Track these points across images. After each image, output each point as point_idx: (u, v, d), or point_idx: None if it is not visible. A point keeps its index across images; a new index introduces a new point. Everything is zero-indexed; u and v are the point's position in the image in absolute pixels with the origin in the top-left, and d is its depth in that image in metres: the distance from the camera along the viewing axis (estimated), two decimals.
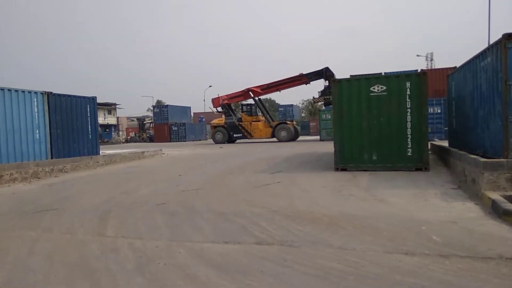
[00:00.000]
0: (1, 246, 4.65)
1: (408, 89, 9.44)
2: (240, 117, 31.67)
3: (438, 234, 4.37)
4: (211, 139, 32.78)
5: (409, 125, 9.46)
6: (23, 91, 11.92)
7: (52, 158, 12.67)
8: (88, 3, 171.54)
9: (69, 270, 3.78)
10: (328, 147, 14.04)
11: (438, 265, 3.48)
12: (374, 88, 9.71)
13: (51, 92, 12.86)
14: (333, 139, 10.48)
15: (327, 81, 27.67)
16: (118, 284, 3.41)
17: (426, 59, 56.69)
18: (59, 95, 13.24)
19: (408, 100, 9.44)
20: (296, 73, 28.71)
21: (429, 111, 17.28)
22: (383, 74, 17.21)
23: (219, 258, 3.90)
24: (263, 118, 31.16)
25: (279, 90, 29.87)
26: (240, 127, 30.71)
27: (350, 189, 7.50)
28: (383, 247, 3.99)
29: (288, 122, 31.22)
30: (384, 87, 9.64)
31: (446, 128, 15.56)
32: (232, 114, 31.54)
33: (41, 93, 12.52)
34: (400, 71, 19.22)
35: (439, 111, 22.10)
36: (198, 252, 4.13)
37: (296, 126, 32.02)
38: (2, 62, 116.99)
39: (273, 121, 31.25)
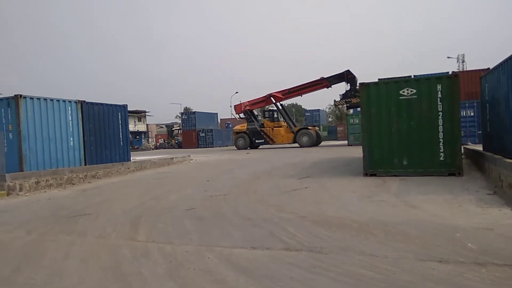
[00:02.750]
0: (39, 250, 4.84)
1: (439, 92, 9.21)
2: (262, 123, 31.70)
3: (473, 241, 4.22)
4: (234, 145, 33.02)
5: (441, 128, 9.21)
6: (58, 100, 12.40)
7: (85, 164, 13.08)
8: (116, 16, 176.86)
9: (102, 273, 3.89)
10: (357, 152, 13.85)
11: (474, 273, 3.35)
12: (403, 92, 9.52)
13: (84, 101, 13.31)
14: (361, 144, 10.33)
15: (348, 84, 27.35)
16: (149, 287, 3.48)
17: (458, 61, 54.98)
18: (92, 103, 13.67)
19: (439, 103, 9.21)
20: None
21: (462, 114, 16.76)
22: (412, 77, 16.88)
23: (247, 264, 3.91)
24: (285, 124, 31.08)
25: (300, 94, 29.75)
26: (262, 133, 30.74)
27: (380, 195, 7.36)
28: (415, 255, 3.89)
29: (310, 128, 30.96)
30: (414, 90, 9.44)
31: (480, 132, 15.03)
32: (254, 120, 31.66)
33: (75, 102, 12.97)
34: (430, 74, 18.74)
35: (472, 114, 21.38)
36: (226, 257, 4.16)
37: (318, 131, 31.73)
38: (37, 73, 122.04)
39: (295, 126, 31.13)
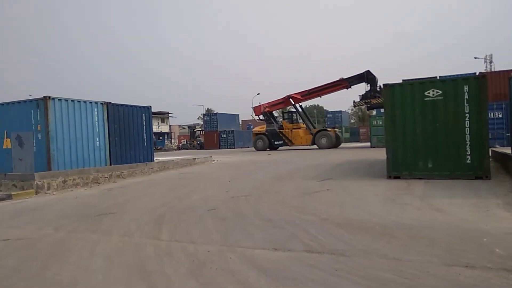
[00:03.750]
0: (66, 247, 4.98)
1: (466, 93, 8.98)
2: (281, 124, 31.60)
3: (501, 246, 4.10)
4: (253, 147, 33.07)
5: (467, 130, 8.98)
6: (84, 102, 12.73)
7: (110, 164, 13.37)
8: (136, 25, 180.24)
9: (127, 271, 3.98)
10: (380, 154, 13.64)
11: (502, 279, 3.26)
12: (429, 93, 9.33)
13: (110, 102, 13.61)
14: (385, 146, 10.18)
15: (368, 85, 26.95)
16: (172, 286, 3.54)
17: (485, 61, 53.47)
18: (117, 105, 13.96)
19: (466, 104, 8.98)
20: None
21: (489, 116, 16.27)
22: (438, 77, 16.52)
23: (269, 265, 3.92)
24: (304, 125, 30.87)
25: (319, 95, 29.45)
26: (280, 134, 30.63)
27: (404, 198, 7.24)
28: (441, 259, 3.81)
29: (329, 129, 30.59)
30: (440, 91, 9.24)
31: (508, 134, 14.57)
32: (274, 122, 31.57)
33: (101, 103, 13.29)
34: (457, 75, 18.31)
35: (500, 116, 20.74)
36: (248, 258, 4.18)
37: (338, 133, 31.36)
38: (65, 79, 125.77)
39: (314, 128, 30.88)
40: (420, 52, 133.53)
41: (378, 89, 26.57)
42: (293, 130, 30.51)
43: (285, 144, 30.80)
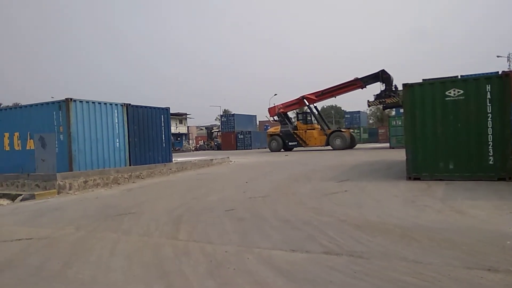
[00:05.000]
0: (87, 246, 5.08)
1: (488, 93, 8.78)
2: (295, 125, 31.48)
3: None
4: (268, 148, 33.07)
5: (490, 131, 8.77)
6: (105, 103, 12.97)
7: (130, 165, 13.58)
8: (156, 32, 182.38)
9: (146, 270, 4.03)
10: (399, 155, 13.45)
11: None
12: (449, 92, 9.15)
13: (129, 104, 13.83)
14: (404, 147, 10.03)
15: (383, 84, 26.53)
16: (191, 286, 3.57)
17: (508, 60, 51.97)
18: (136, 106, 14.17)
19: (488, 104, 8.78)
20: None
21: None
22: (459, 77, 16.16)
23: (287, 266, 3.91)
24: (318, 126, 30.65)
25: (334, 96, 29.10)
26: (295, 135, 30.49)
27: (424, 200, 7.11)
28: (462, 262, 3.73)
29: (343, 130, 30.24)
30: (461, 91, 9.05)
31: None
32: (288, 123, 31.49)
33: (121, 105, 13.51)
34: (478, 74, 17.86)
35: None
36: (266, 258, 4.18)
37: (352, 133, 30.94)
38: (85, 84, 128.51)
39: (328, 128, 30.62)
40: (441, 51, 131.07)
41: (394, 89, 26.21)
42: (307, 131, 30.34)
43: (299, 145, 30.67)
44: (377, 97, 27.09)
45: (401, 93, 26.83)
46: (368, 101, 28.13)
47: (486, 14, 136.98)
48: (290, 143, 30.94)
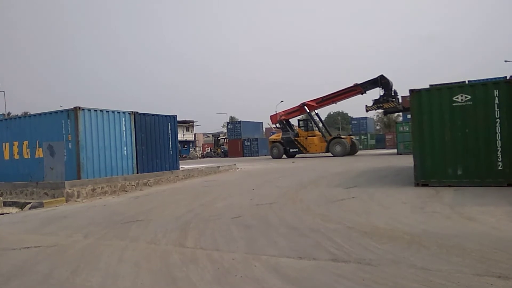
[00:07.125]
0: (95, 253, 5.10)
1: (496, 98, 8.72)
2: (297, 132, 31.48)
3: None
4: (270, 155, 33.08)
5: (498, 136, 8.70)
6: (113, 112, 13.07)
7: (137, 172, 13.63)
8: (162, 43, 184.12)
9: (153, 277, 4.04)
10: (406, 161, 13.36)
11: None
12: (457, 98, 9.11)
13: (137, 112, 13.92)
14: (412, 153, 9.97)
15: (383, 89, 26.53)
16: None
17: None
18: (143, 114, 14.26)
19: (496, 109, 8.72)
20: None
21: None
22: (466, 82, 16.09)
23: (294, 274, 3.89)
24: (319, 133, 30.64)
25: (334, 102, 29.12)
26: (295, 142, 30.49)
27: (433, 206, 7.05)
28: (472, 269, 3.69)
29: (343, 137, 30.08)
30: (469, 96, 9.00)
31: None
32: (289, 130, 31.52)
33: (128, 113, 13.60)
34: (486, 79, 17.76)
35: None
36: (273, 266, 4.16)
37: (354, 140, 30.80)
38: (94, 91, 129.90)
39: (329, 135, 30.58)
40: (449, 56, 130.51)
41: (393, 94, 26.27)
42: (308, 137, 30.33)
43: (300, 152, 30.65)
44: (375, 102, 27.18)
45: (400, 98, 26.99)
46: (366, 106, 28.21)
47: (493, 18, 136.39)
48: (291, 150, 30.95)
